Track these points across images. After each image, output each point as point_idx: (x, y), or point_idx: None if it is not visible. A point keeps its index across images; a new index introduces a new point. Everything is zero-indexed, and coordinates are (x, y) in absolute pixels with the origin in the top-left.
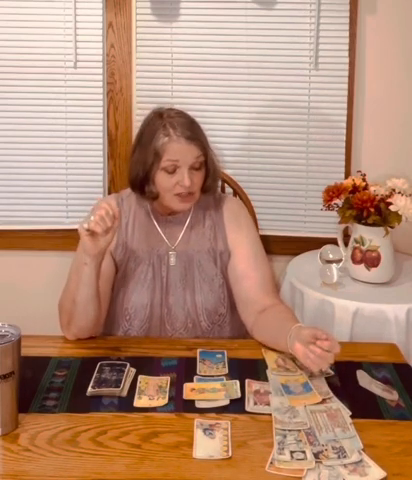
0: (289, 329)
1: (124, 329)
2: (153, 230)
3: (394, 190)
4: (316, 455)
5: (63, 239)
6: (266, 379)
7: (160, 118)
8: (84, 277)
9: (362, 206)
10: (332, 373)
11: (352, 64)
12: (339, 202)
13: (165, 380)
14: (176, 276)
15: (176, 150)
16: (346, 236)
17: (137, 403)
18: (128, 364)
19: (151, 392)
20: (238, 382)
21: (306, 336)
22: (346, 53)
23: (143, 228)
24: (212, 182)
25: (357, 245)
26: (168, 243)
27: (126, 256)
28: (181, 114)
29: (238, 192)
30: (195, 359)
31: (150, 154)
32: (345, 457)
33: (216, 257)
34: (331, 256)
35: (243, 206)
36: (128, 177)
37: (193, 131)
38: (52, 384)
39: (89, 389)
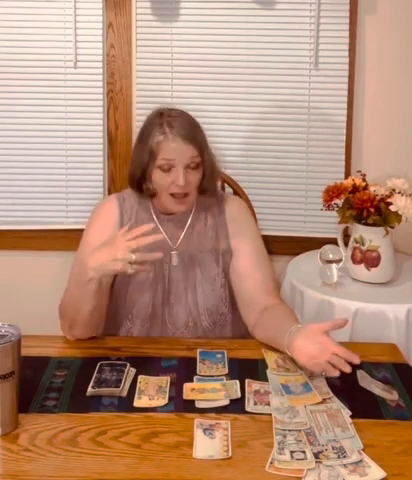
0: (288, 328)
1: (126, 328)
2: (155, 229)
3: (394, 190)
4: (316, 455)
5: (63, 239)
6: (266, 379)
7: (160, 117)
8: (92, 291)
9: (362, 206)
10: None
11: (352, 64)
12: (339, 202)
13: (165, 380)
14: (178, 275)
15: (171, 149)
16: (346, 236)
17: (137, 403)
18: (128, 364)
19: (151, 392)
20: (238, 382)
21: (312, 331)
22: (346, 53)
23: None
24: (209, 183)
25: (357, 245)
26: (170, 243)
27: None
28: (182, 114)
29: (238, 192)
30: (195, 359)
31: (146, 152)
32: (345, 457)
33: (218, 257)
34: (331, 256)
35: (246, 206)
36: (128, 175)
37: (190, 131)
38: (52, 384)
39: (89, 389)
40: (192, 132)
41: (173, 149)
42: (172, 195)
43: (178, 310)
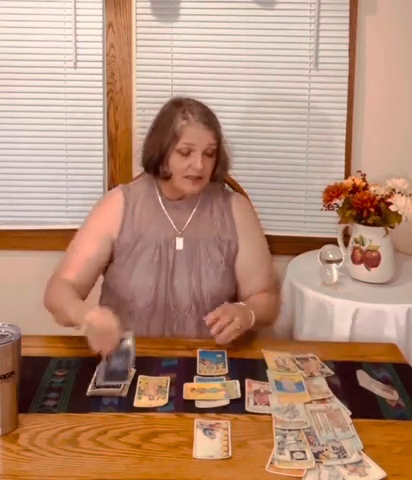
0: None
1: (128, 310)
2: (161, 215)
3: (394, 190)
4: (316, 455)
5: (63, 239)
6: (266, 379)
7: (179, 105)
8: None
9: (362, 206)
10: (332, 373)
11: (352, 64)
12: (339, 202)
13: (165, 380)
14: (182, 260)
15: (193, 134)
16: (346, 236)
17: (137, 403)
18: None
19: (151, 392)
20: (238, 382)
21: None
22: (346, 53)
23: (151, 212)
24: (221, 171)
25: (357, 245)
26: (175, 228)
27: (133, 239)
28: (199, 103)
29: (238, 192)
30: (195, 359)
31: (168, 136)
32: (345, 457)
33: (222, 245)
34: (331, 256)
35: (251, 204)
36: (142, 159)
37: (210, 119)
38: (52, 384)
39: (89, 389)
40: (211, 120)
41: (195, 134)
42: (187, 177)
43: (181, 294)
